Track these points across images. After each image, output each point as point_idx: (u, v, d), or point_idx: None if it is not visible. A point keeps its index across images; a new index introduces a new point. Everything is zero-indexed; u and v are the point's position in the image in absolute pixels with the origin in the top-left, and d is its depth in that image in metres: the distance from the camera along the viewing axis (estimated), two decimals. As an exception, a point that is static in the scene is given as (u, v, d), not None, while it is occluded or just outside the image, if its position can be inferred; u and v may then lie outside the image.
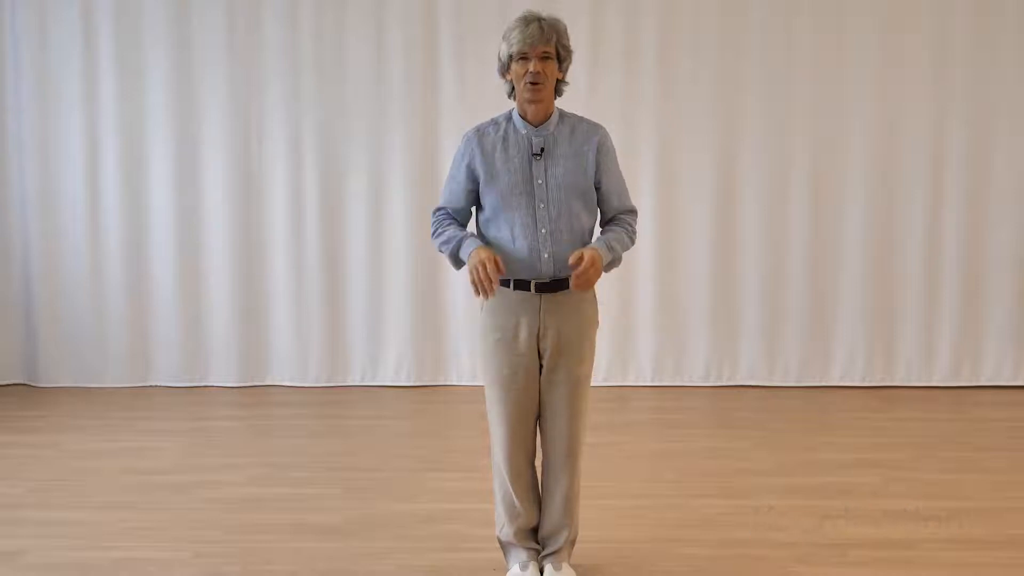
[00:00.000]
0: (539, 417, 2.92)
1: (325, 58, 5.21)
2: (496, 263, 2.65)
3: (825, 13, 5.13)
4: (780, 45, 5.17)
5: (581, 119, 2.87)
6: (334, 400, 5.18)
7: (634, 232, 2.95)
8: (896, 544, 3.15)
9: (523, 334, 2.80)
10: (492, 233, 2.82)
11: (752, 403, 5.02)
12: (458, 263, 2.82)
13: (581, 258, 2.66)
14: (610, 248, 2.79)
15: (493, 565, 3.02)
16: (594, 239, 2.83)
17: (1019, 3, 5.10)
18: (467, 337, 5.36)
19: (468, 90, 5.23)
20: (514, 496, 2.92)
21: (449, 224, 2.85)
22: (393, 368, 5.40)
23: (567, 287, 2.76)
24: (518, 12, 5.45)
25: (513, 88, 2.83)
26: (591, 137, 2.83)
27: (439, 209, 2.90)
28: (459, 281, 5.33)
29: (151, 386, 5.41)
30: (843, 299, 5.29)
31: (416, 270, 5.33)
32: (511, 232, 2.77)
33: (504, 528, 2.96)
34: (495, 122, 2.92)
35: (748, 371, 5.36)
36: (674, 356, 5.34)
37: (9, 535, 3.30)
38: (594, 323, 2.88)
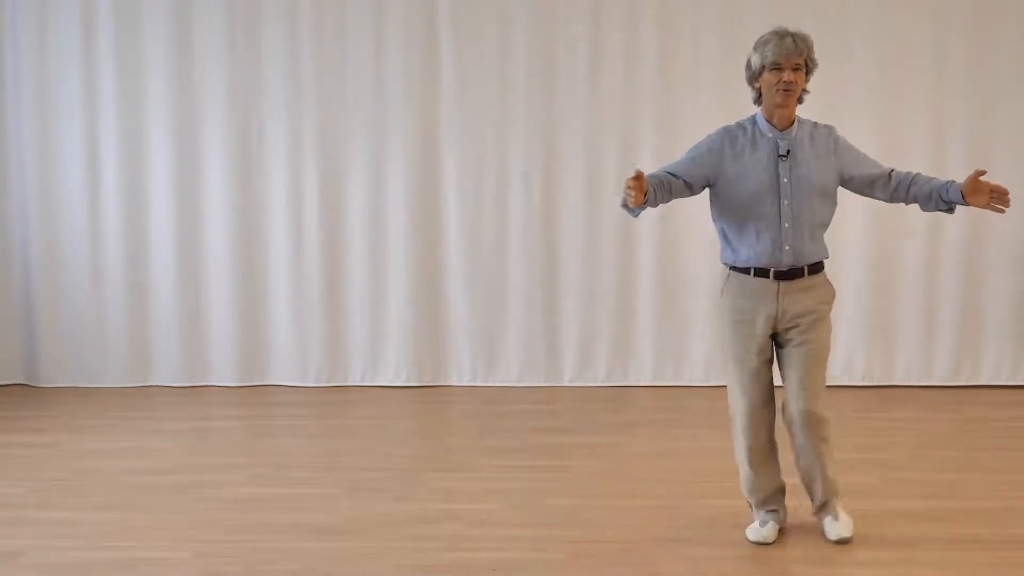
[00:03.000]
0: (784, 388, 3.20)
1: (325, 58, 5.21)
2: (639, 177, 2.93)
3: (825, 13, 5.13)
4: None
5: (815, 123, 3.22)
6: (334, 400, 5.18)
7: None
8: (896, 544, 3.15)
9: (760, 318, 3.10)
10: (734, 224, 3.14)
11: (752, 403, 5.01)
12: (625, 205, 3.08)
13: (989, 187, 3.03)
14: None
15: (493, 565, 3.02)
16: (923, 186, 3.21)
17: (1019, 3, 5.10)
18: (467, 337, 5.36)
19: (468, 90, 5.23)
20: (750, 466, 3.23)
21: (667, 177, 3.17)
22: (393, 368, 5.40)
23: (803, 275, 3.10)
24: (517, 12, 5.50)
25: (759, 95, 3.17)
26: (828, 139, 3.18)
27: (661, 171, 3.21)
28: (459, 281, 5.34)
29: (151, 386, 5.41)
30: (843, 299, 5.26)
31: (416, 270, 5.33)
32: (755, 226, 3.08)
33: (746, 491, 3.29)
34: (741, 126, 3.20)
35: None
36: (674, 356, 5.34)
37: (9, 535, 3.30)
38: (829, 302, 3.19)
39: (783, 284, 3.09)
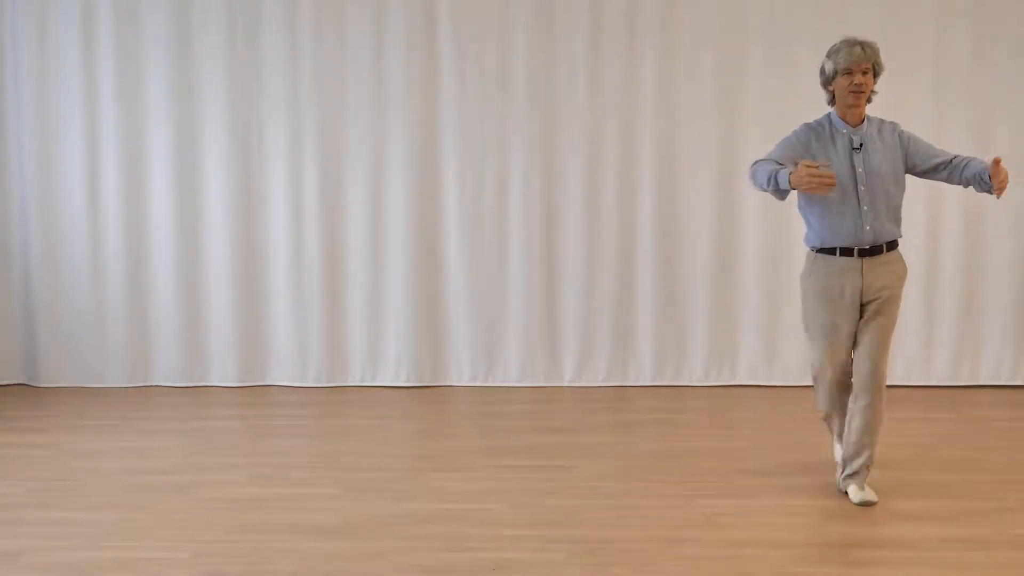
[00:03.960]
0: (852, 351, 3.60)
1: (325, 58, 5.21)
2: (814, 166, 3.24)
3: (825, 13, 5.13)
4: (781, 44, 5.17)
5: (882, 120, 3.63)
6: (334, 400, 5.18)
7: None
8: (896, 544, 3.15)
9: (848, 292, 3.51)
10: (818, 210, 3.53)
11: (752, 403, 5.02)
12: (777, 189, 3.38)
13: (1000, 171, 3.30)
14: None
15: (493, 565, 3.02)
16: (971, 169, 3.44)
17: (1019, 3, 5.10)
18: (467, 337, 5.37)
19: (468, 90, 5.23)
20: (835, 413, 3.71)
21: (773, 164, 3.45)
22: (393, 368, 5.40)
23: (882, 251, 3.52)
24: (518, 12, 5.51)
25: (832, 97, 3.59)
26: (894, 133, 3.59)
27: (763, 159, 3.54)
28: (459, 281, 5.34)
29: (151, 386, 5.41)
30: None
31: (416, 270, 5.33)
32: (839, 209, 3.48)
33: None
34: (820, 123, 3.62)
35: (748, 371, 5.36)
36: (674, 356, 5.35)
37: (9, 535, 3.30)
38: (904, 277, 3.60)
39: (866, 260, 3.50)
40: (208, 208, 5.31)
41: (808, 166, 3.25)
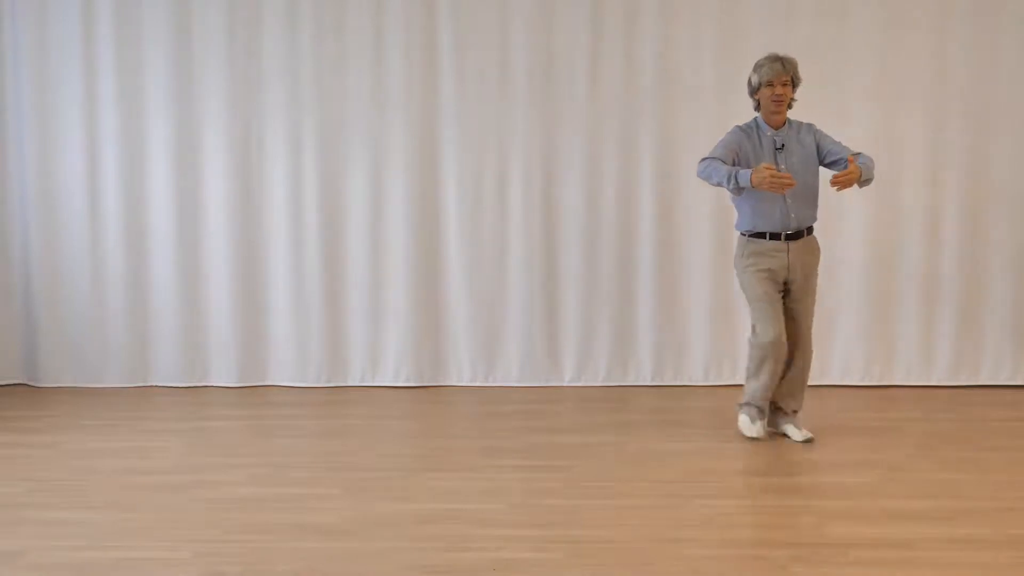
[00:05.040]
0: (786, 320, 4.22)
1: (325, 58, 5.21)
2: (772, 168, 3.90)
3: (825, 13, 5.13)
4: (780, 44, 5.14)
5: (800, 122, 4.27)
6: (334, 400, 5.18)
7: (871, 159, 4.15)
8: (896, 544, 3.15)
9: (776, 269, 4.16)
10: (751, 200, 4.12)
11: (752, 403, 5.02)
12: (736, 186, 3.97)
13: (849, 171, 3.94)
14: (867, 168, 4.06)
15: (493, 565, 3.02)
16: (843, 164, 4.07)
17: (1019, 3, 5.10)
18: (467, 337, 5.37)
19: (468, 90, 5.23)
20: (771, 379, 4.20)
21: (721, 163, 4.06)
22: (393, 368, 5.40)
23: (804, 235, 4.20)
24: (518, 12, 5.51)
25: (758, 104, 4.22)
26: (810, 132, 4.24)
27: (712, 157, 4.11)
28: (459, 281, 5.34)
29: (151, 386, 5.41)
30: (843, 298, 5.29)
31: (416, 270, 5.33)
32: (768, 202, 4.10)
33: (757, 399, 4.26)
34: (749, 127, 4.24)
35: (748, 371, 5.36)
36: (674, 356, 5.35)
37: (9, 535, 3.30)
38: (819, 255, 4.29)
39: (791, 243, 4.15)
40: (208, 208, 5.31)
41: (768, 168, 3.87)
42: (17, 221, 5.38)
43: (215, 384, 5.41)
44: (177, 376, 5.41)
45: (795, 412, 4.34)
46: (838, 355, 5.32)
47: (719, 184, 4.07)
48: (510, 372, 5.39)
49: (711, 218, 5.26)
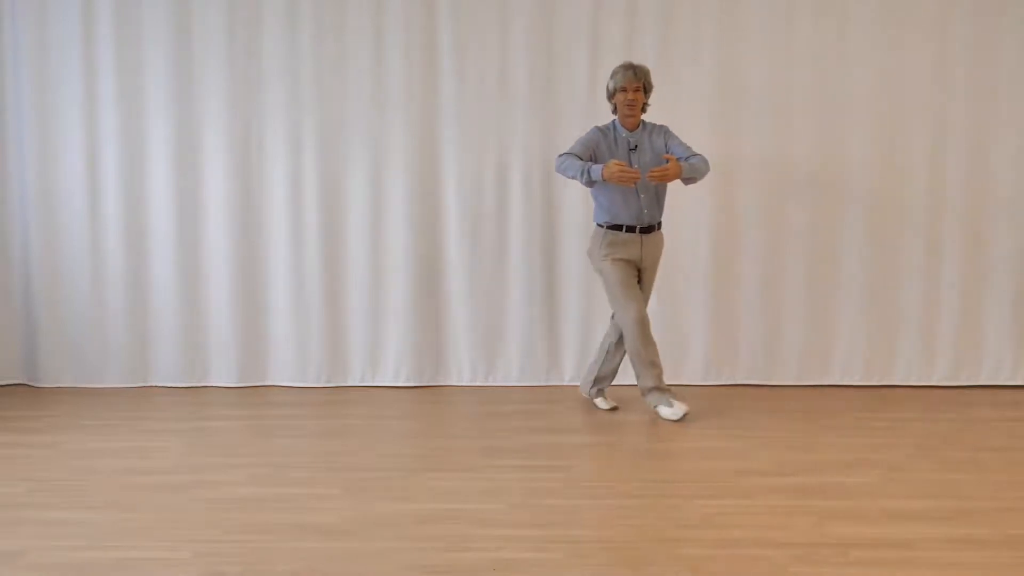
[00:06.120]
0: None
1: (325, 58, 5.21)
2: (623, 164, 4.31)
3: (826, 13, 5.13)
4: (780, 44, 5.17)
5: (654, 124, 4.67)
6: (334, 400, 5.18)
7: (704, 160, 4.55)
8: (896, 544, 3.15)
9: (631, 258, 4.61)
10: (605, 197, 4.57)
11: (752, 403, 5.03)
12: (589, 180, 4.40)
13: (666, 167, 4.35)
14: (690, 167, 4.46)
15: (493, 565, 3.02)
16: (690, 160, 4.50)
17: (1020, 3, 5.11)
18: (467, 337, 5.37)
19: (468, 90, 5.24)
20: (646, 351, 4.58)
21: (577, 159, 4.47)
22: (393, 368, 5.41)
23: (654, 229, 4.66)
24: (518, 12, 5.52)
25: (615, 108, 4.61)
26: (661, 134, 4.63)
27: (569, 153, 4.52)
28: (459, 281, 5.34)
29: (151, 386, 5.41)
30: (843, 299, 5.30)
31: (416, 270, 5.33)
32: (624, 198, 4.56)
33: (650, 379, 4.63)
34: (607, 128, 4.64)
35: (748, 371, 5.37)
36: (674, 356, 5.35)
37: (9, 535, 3.30)
38: (663, 247, 4.75)
39: (643, 236, 4.61)
40: (208, 208, 5.31)
41: (617, 164, 4.28)
42: (17, 221, 5.38)
43: (215, 384, 5.41)
44: (177, 376, 5.41)
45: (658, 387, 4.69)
46: (838, 355, 5.33)
47: (573, 177, 4.44)
48: (510, 372, 5.40)
49: (712, 217, 5.26)
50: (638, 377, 4.65)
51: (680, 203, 5.26)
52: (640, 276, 4.68)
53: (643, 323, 4.54)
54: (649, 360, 4.59)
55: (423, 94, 5.24)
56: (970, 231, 5.23)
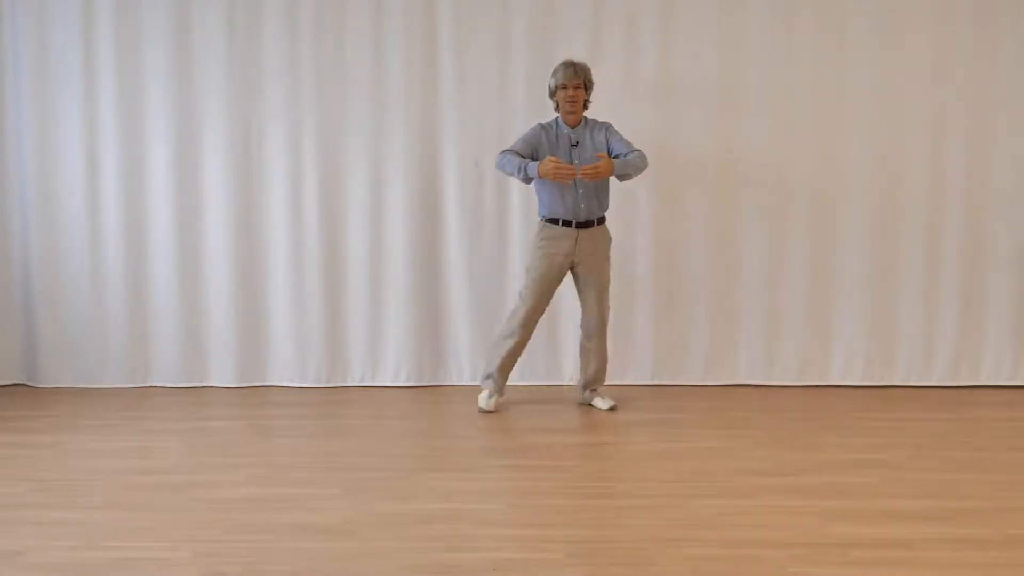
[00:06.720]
0: (581, 304, 4.83)
1: (325, 58, 5.21)
2: (557, 160, 4.44)
3: (826, 13, 5.14)
4: (780, 44, 5.17)
5: (596, 121, 4.72)
6: (334, 400, 5.18)
7: (642, 156, 4.61)
8: (896, 544, 3.15)
9: (563, 252, 4.67)
10: (547, 192, 4.64)
11: (752, 403, 5.02)
12: (526, 176, 4.53)
13: (597, 164, 4.45)
14: (623, 164, 4.55)
15: (493, 565, 3.02)
16: (626, 156, 4.58)
17: (1020, 4, 5.11)
18: (467, 337, 5.37)
19: (468, 90, 5.23)
20: (516, 348, 4.79)
21: (517, 156, 4.58)
22: (393, 368, 5.40)
23: (594, 224, 4.69)
24: (518, 12, 5.53)
25: (558, 105, 4.68)
26: (603, 131, 4.70)
27: (509, 150, 4.62)
28: (459, 281, 5.34)
29: (151, 386, 5.41)
30: (843, 298, 5.30)
31: (416, 270, 5.33)
32: (560, 193, 4.62)
33: (497, 368, 4.81)
34: (549, 124, 4.72)
35: (747, 370, 5.37)
36: (674, 356, 5.35)
37: (9, 535, 3.30)
38: (610, 243, 4.79)
39: (580, 231, 4.65)
40: (208, 208, 5.31)
41: (553, 161, 4.40)
42: (17, 221, 5.37)
43: (215, 384, 5.41)
44: (177, 376, 5.41)
45: (596, 387, 4.90)
46: (838, 355, 5.33)
47: (511, 174, 4.57)
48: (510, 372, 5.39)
49: (711, 217, 5.26)
50: (487, 360, 4.92)
51: (680, 203, 5.27)
52: (575, 270, 4.73)
53: (526, 325, 4.72)
54: (501, 351, 4.79)
55: (423, 94, 5.24)
56: (970, 231, 5.23)
